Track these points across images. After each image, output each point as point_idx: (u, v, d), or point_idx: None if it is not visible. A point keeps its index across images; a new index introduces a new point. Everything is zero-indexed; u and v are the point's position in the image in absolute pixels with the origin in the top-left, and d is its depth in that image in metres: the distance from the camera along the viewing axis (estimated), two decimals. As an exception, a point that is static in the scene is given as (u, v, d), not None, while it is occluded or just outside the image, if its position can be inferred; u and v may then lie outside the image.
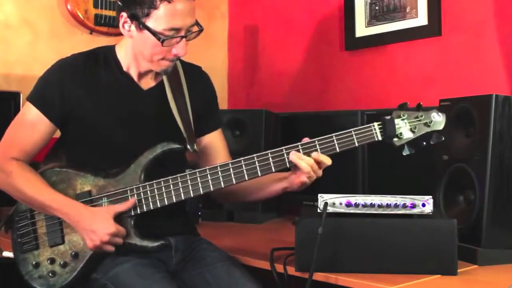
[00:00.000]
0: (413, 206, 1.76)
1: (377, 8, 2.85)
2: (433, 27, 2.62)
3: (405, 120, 1.75)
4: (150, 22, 1.77)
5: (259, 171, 1.78)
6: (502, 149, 1.88)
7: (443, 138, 1.77)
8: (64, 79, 1.87)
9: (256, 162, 1.78)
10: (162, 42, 1.77)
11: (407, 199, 1.76)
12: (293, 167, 1.79)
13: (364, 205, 1.77)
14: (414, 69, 2.73)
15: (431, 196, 1.77)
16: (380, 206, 1.77)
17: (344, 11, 2.96)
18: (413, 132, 1.74)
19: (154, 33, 1.77)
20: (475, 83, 2.50)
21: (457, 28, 2.57)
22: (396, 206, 1.76)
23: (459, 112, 1.99)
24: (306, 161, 1.75)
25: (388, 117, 1.75)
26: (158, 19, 1.76)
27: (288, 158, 1.76)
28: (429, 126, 1.75)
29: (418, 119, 1.75)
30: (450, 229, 1.73)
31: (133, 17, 1.79)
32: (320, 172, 1.78)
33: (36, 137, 1.87)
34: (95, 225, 1.76)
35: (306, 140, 1.79)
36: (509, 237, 1.89)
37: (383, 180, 2.45)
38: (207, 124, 2.03)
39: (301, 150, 1.77)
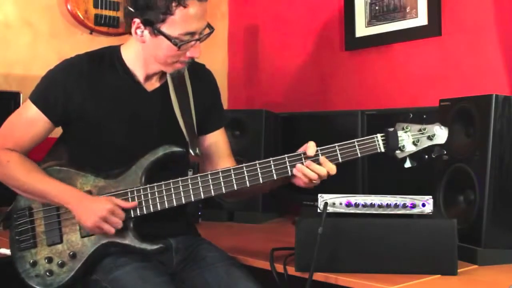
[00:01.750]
0: (413, 206, 1.76)
1: (377, 8, 2.85)
2: (433, 27, 2.62)
3: (408, 133, 1.76)
4: (165, 28, 1.75)
5: (260, 178, 1.78)
6: (502, 149, 1.88)
7: (445, 152, 1.78)
8: (68, 80, 1.86)
9: (258, 169, 1.78)
10: (179, 47, 1.77)
11: (407, 199, 1.77)
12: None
13: (364, 205, 1.77)
14: (414, 69, 2.73)
15: (431, 196, 1.77)
16: (380, 206, 1.77)
17: (344, 11, 2.96)
18: (415, 145, 1.75)
19: (170, 38, 1.76)
20: (475, 83, 2.50)
21: (457, 28, 2.57)
22: (396, 206, 1.76)
23: (459, 112, 1.99)
24: (315, 170, 1.75)
25: (391, 129, 1.76)
26: (174, 25, 1.74)
27: (290, 168, 1.77)
28: (431, 139, 1.76)
29: (421, 132, 1.76)
30: (450, 229, 1.73)
31: (147, 23, 1.77)
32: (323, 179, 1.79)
33: (32, 133, 1.87)
34: (94, 206, 1.76)
35: (311, 144, 1.78)
36: (509, 237, 1.89)
37: (383, 180, 2.45)
38: (210, 123, 2.02)
39: (303, 160, 1.77)
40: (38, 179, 1.82)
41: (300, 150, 1.79)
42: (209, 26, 1.82)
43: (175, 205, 1.81)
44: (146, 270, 1.78)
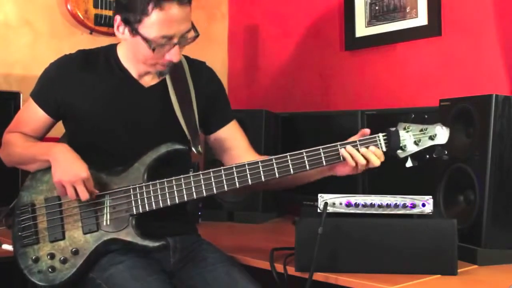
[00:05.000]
0: (413, 206, 1.76)
1: (377, 8, 2.85)
2: (433, 27, 2.62)
3: (410, 133, 1.76)
4: (142, 29, 1.76)
5: (262, 176, 1.78)
6: (502, 149, 1.88)
7: (446, 152, 1.79)
8: (61, 74, 1.90)
9: (260, 167, 1.78)
10: (153, 49, 1.77)
11: (407, 199, 1.77)
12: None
13: (364, 205, 1.77)
14: (414, 69, 2.73)
15: (431, 196, 1.77)
16: (380, 206, 1.77)
17: (344, 11, 2.96)
18: (417, 144, 1.76)
19: (145, 39, 1.76)
20: (475, 83, 2.50)
21: (457, 28, 2.57)
22: (396, 206, 1.76)
23: (459, 112, 1.99)
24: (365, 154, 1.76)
25: (393, 129, 1.77)
26: (150, 26, 1.75)
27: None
28: (433, 139, 1.76)
29: (422, 132, 1.76)
30: (450, 229, 1.73)
31: (126, 22, 1.78)
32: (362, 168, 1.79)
33: (35, 126, 1.95)
34: (70, 166, 1.77)
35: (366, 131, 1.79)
36: (509, 237, 1.89)
37: (383, 180, 2.45)
38: (218, 119, 2.02)
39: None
40: (31, 146, 1.89)
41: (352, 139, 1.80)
42: (194, 29, 1.81)
43: (177, 202, 1.81)
44: (139, 268, 1.78)
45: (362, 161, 1.75)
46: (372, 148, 1.76)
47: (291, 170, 1.77)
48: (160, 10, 1.73)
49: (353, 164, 1.76)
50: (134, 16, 1.75)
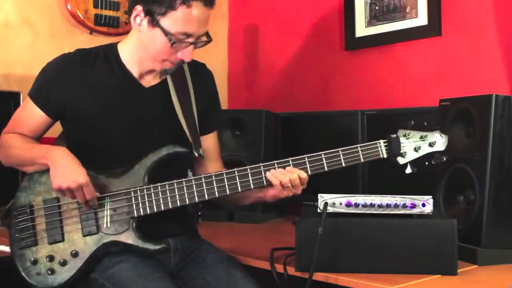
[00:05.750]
0: (413, 206, 1.76)
1: (377, 8, 2.85)
2: (433, 27, 2.62)
3: (410, 140, 1.78)
4: (164, 22, 1.76)
5: (264, 181, 1.80)
6: (502, 149, 1.88)
7: (445, 159, 1.80)
8: (60, 73, 1.89)
9: (262, 172, 1.80)
10: (172, 44, 1.77)
11: (407, 199, 1.77)
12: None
13: (364, 205, 1.77)
14: (414, 69, 2.73)
15: (431, 196, 1.77)
16: (380, 206, 1.77)
17: (344, 11, 2.96)
18: (416, 151, 1.78)
19: (166, 33, 1.77)
20: (475, 83, 2.50)
21: (457, 28, 2.57)
22: (396, 206, 1.77)
23: (459, 112, 1.99)
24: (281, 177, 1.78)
25: (394, 136, 1.78)
26: (173, 21, 1.75)
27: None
28: (432, 146, 1.78)
29: (422, 139, 1.78)
30: (450, 229, 1.73)
31: (148, 13, 1.78)
32: (297, 189, 1.80)
33: (32, 125, 1.93)
34: (68, 172, 1.76)
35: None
36: (509, 237, 1.89)
37: (383, 180, 2.45)
38: (208, 124, 2.02)
39: (292, 164, 1.79)
40: (30, 148, 1.87)
41: None
42: (207, 35, 1.83)
43: (178, 205, 1.81)
44: (143, 266, 1.78)
45: (287, 181, 1.77)
46: (298, 170, 1.78)
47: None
48: (187, 7, 1.74)
49: (279, 182, 1.77)
50: (160, 8, 1.75)
